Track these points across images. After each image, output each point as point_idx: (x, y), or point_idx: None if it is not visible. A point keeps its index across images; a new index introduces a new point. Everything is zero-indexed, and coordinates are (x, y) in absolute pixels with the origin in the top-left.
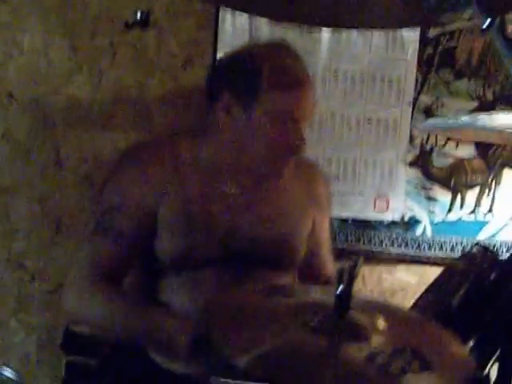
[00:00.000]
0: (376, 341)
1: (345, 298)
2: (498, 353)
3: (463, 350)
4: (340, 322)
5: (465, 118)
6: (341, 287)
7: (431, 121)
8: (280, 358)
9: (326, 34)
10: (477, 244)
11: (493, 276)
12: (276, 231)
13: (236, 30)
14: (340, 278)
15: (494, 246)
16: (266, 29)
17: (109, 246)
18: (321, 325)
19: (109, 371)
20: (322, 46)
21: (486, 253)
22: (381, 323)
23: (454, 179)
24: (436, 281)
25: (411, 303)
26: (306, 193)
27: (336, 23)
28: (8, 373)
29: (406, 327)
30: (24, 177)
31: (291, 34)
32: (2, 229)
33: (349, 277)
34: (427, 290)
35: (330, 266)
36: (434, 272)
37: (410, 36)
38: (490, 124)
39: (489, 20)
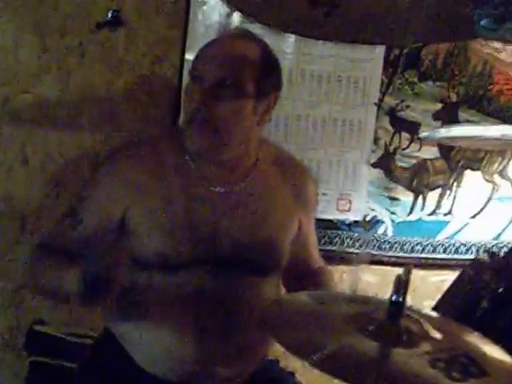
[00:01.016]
0: (430, 346)
1: (398, 306)
2: None
3: (507, 356)
4: (393, 329)
5: (465, 129)
6: (394, 295)
7: (443, 129)
8: (338, 361)
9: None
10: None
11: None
12: (260, 234)
13: (206, 29)
14: (396, 286)
15: (454, 245)
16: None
17: (72, 231)
18: (375, 331)
19: (90, 375)
20: (289, 46)
21: (494, 258)
22: (432, 330)
23: (416, 180)
24: (450, 289)
25: None
26: (293, 194)
27: (364, 40)
28: None
29: (452, 334)
30: None
31: (259, 33)
32: None
33: (402, 285)
34: (443, 298)
35: (317, 260)
36: (394, 272)
37: None
38: (485, 134)
39: None
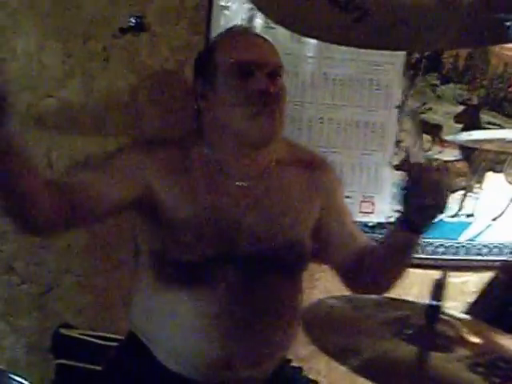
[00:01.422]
0: (467, 351)
1: (436, 310)
2: None
3: None
4: (431, 333)
5: (495, 133)
6: (431, 301)
7: (465, 133)
8: (376, 366)
9: None
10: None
11: None
12: (281, 227)
13: None
14: (434, 292)
15: (476, 247)
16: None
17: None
18: (413, 335)
19: (115, 375)
20: (310, 50)
21: None
22: (468, 334)
23: None
24: (483, 292)
25: None
26: (310, 184)
27: (394, 47)
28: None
29: (488, 337)
30: None
31: (281, 38)
32: None
33: (439, 289)
34: (476, 301)
35: (361, 236)
36: (416, 274)
37: None
38: (508, 137)
39: None
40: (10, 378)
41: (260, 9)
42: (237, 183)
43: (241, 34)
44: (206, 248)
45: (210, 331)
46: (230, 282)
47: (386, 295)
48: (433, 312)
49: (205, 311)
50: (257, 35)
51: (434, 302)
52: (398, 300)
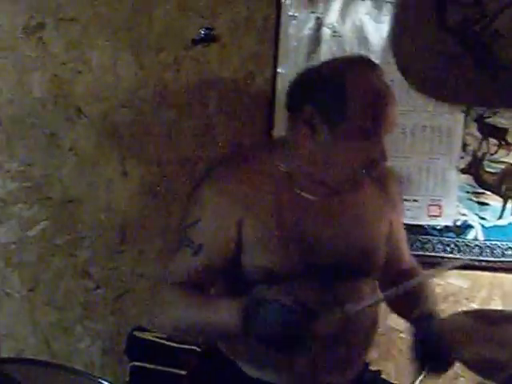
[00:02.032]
0: None
1: None
2: None
3: None
4: None
5: None
6: None
7: None
8: None
9: (380, 43)
10: None
11: None
12: (358, 240)
13: (297, 43)
14: None
15: None
16: (327, 43)
17: (194, 260)
18: None
19: (198, 382)
20: (378, 56)
21: None
22: None
23: (505, 185)
24: None
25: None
26: (382, 196)
27: None
28: None
29: None
30: (91, 187)
31: (348, 47)
32: (68, 238)
33: None
34: None
35: (409, 259)
36: (485, 277)
37: None
38: None
39: None
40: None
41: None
42: (312, 198)
43: (372, 75)
44: (286, 263)
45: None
46: (311, 294)
47: None
48: None
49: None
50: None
51: None
52: None
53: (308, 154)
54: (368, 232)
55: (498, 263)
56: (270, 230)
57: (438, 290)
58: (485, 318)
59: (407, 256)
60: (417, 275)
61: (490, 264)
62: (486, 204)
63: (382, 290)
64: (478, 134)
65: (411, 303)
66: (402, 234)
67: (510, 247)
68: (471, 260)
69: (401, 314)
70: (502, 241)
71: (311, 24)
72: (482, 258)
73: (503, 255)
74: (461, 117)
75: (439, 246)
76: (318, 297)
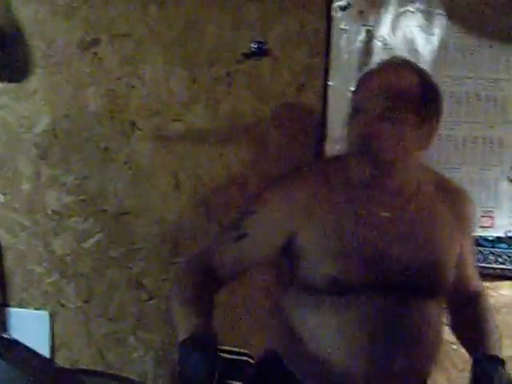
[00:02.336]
0: None
1: None
2: None
3: None
4: None
5: None
6: None
7: None
8: None
9: (431, 55)
10: None
11: None
12: (427, 258)
13: (348, 56)
14: None
15: None
16: (378, 56)
17: (232, 244)
18: None
19: None
20: (429, 68)
21: None
22: None
23: None
24: None
25: None
26: (454, 217)
27: None
28: None
29: None
30: (144, 200)
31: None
32: (123, 250)
33: None
34: None
35: (476, 282)
36: None
37: None
38: None
39: None
40: None
41: None
42: (382, 214)
43: (381, 70)
44: (354, 277)
45: (356, 356)
46: (376, 308)
47: None
48: None
49: (351, 336)
50: (397, 74)
51: None
52: None
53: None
54: (438, 252)
55: None
56: (336, 240)
57: (490, 301)
58: None
59: (475, 281)
60: (483, 301)
61: None
62: None
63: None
64: None
65: (475, 337)
66: (472, 259)
67: None
68: None
69: (463, 346)
70: None
71: (362, 37)
72: None
73: None
74: None
75: (491, 257)
76: (381, 316)
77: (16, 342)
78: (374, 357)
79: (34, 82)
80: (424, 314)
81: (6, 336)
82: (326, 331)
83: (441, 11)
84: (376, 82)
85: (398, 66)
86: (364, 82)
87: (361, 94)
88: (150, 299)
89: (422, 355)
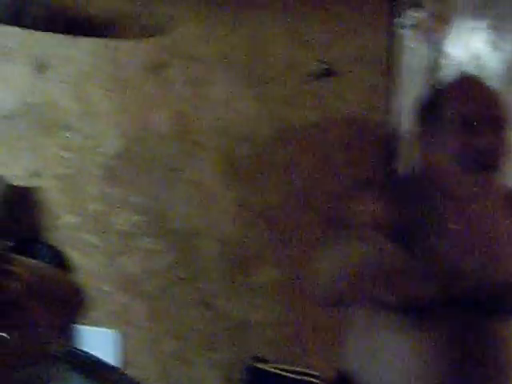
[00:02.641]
0: None
1: None
2: None
3: None
4: None
5: None
6: None
7: None
8: None
9: (499, 71)
10: None
11: None
12: (500, 272)
13: (415, 75)
14: None
15: None
16: (445, 71)
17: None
18: None
19: None
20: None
21: None
22: None
23: None
24: None
25: None
26: None
27: None
28: None
29: None
30: (212, 220)
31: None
32: (190, 270)
33: None
34: None
35: None
36: None
37: None
38: None
39: None
40: None
41: None
42: (454, 226)
43: (477, 81)
44: (426, 292)
45: (427, 374)
46: (450, 324)
47: None
48: None
49: (423, 353)
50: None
51: None
52: None
53: None
54: (511, 265)
55: None
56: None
57: None
58: None
59: None
60: None
61: None
62: None
63: None
64: None
65: None
66: None
67: None
68: None
69: None
70: None
71: (429, 55)
72: None
73: None
74: None
75: None
76: (458, 335)
77: (97, 359)
78: (447, 375)
79: (102, 103)
80: (500, 328)
81: (84, 352)
82: (398, 349)
83: None
84: (485, 93)
85: (479, 78)
86: (467, 91)
87: (471, 105)
88: (218, 319)
89: (497, 371)
